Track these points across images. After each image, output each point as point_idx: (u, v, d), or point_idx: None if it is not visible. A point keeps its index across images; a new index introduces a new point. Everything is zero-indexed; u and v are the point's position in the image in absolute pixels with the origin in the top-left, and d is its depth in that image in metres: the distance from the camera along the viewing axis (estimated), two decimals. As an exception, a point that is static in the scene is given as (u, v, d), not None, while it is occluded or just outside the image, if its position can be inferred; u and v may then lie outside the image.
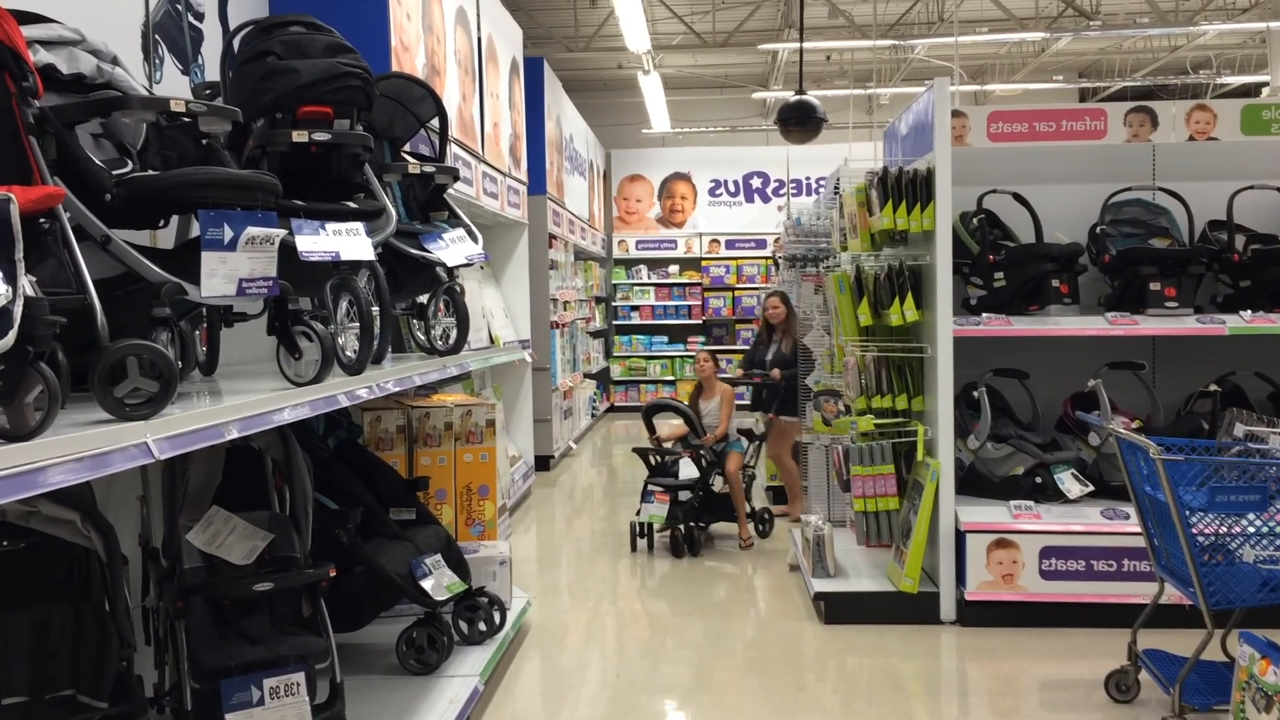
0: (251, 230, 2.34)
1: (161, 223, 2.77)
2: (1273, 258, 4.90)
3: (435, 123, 3.98)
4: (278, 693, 2.78)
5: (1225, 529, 3.46)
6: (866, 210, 5.17)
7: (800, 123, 10.61)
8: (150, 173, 2.54)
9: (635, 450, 6.76)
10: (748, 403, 7.90)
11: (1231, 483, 3.44)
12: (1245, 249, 4.99)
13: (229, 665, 2.76)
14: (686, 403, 6.87)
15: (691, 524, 6.44)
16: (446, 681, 3.86)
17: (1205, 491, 3.43)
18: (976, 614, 4.81)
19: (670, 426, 6.83)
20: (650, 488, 6.59)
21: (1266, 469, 3.47)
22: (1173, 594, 3.77)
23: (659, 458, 6.69)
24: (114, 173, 2.37)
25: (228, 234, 2.31)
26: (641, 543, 6.62)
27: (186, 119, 2.50)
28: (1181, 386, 5.24)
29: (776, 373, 7.10)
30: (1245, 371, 5.09)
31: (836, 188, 6.16)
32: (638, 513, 6.62)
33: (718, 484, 6.62)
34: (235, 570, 2.93)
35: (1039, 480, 4.93)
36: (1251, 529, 3.47)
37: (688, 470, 6.62)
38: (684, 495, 6.49)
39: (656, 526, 6.62)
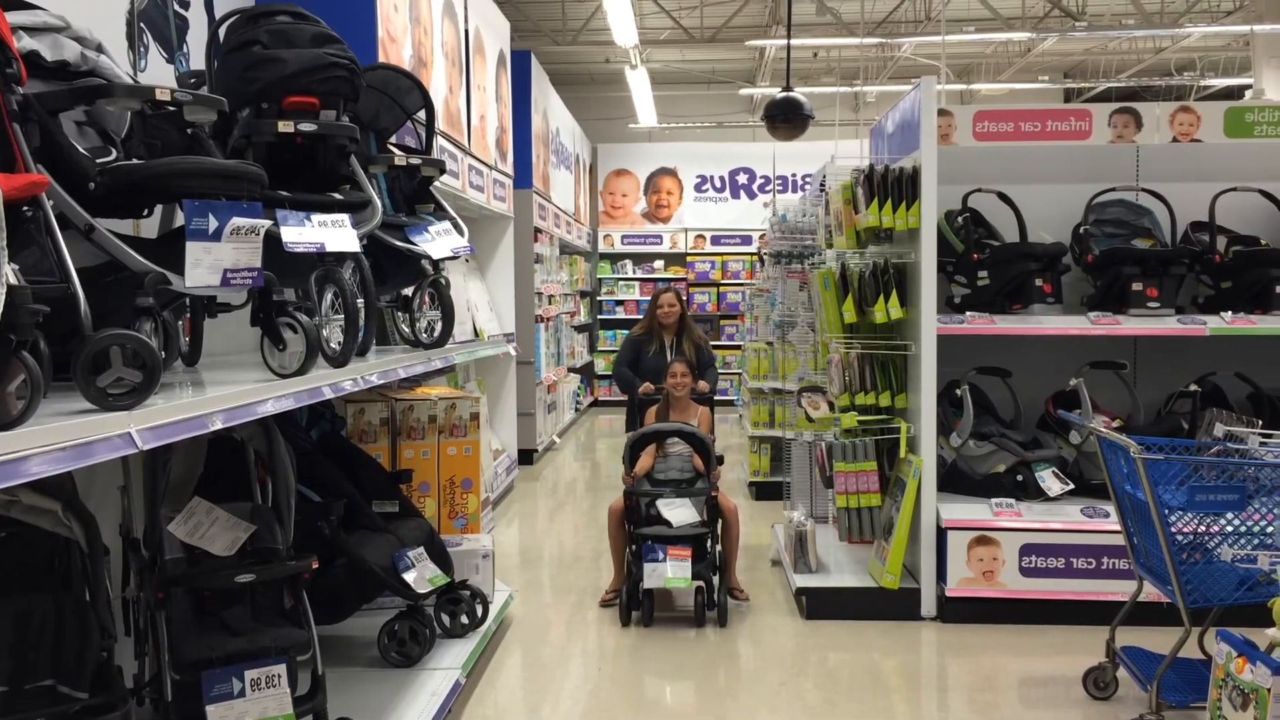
0: (237, 221, 2.33)
1: (145, 212, 2.75)
2: (1254, 259, 4.93)
3: (422, 115, 3.97)
4: (259, 684, 2.77)
5: (1204, 528, 3.49)
6: (852, 208, 5.18)
7: (787, 119, 10.62)
8: (134, 161, 2.52)
9: (627, 494, 5.06)
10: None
11: (1210, 482, 3.47)
12: (1227, 250, 5.03)
13: (210, 656, 2.75)
14: (649, 425, 5.45)
15: (714, 581, 4.99)
16: (428, 674, 3.86)
17: (1184, 491, 3.45)
18: (957, 610, 4.84)
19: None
20: (653, 542, 4.84)
21: (1245, 469, 3.50)
22: (1151, 592, 3.80)
23: (647, 501, 5.04)
24: (98, 161, 2.35)
25: (213, 224, 2.29)
26: (634, 614, 4.96)
27: (171, 108, 2.49)
28: (1162, 386, 5.28)
29: (704, 385, 6.09)
30: (1225, 372, 5.12)
31: (822, 185, 6.17)
32: (632, 578, 4.93)
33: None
34: (217, 561, 2.91)
35: (1020, 478, 4.96)
36: (1230, 528, 3.50)
37: (684, 514, 4.96)
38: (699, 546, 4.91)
39: (680, 589, 5.07)
